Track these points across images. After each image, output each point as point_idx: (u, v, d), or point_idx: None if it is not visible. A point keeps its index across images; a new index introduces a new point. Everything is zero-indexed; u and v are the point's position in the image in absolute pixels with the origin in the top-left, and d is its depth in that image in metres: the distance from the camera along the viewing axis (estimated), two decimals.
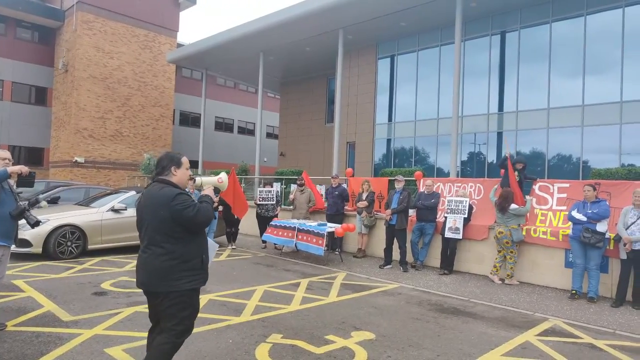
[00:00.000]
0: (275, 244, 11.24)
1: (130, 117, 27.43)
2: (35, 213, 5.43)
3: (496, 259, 8.51)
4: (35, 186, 10.21)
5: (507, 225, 8.21)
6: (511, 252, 8.29)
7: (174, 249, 3.14)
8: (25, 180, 5.03)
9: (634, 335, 5.53)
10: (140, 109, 27.86)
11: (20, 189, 5.18)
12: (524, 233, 8.27)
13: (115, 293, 6.64)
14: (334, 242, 10.30)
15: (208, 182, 3.57)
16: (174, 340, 3.24)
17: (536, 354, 4.76)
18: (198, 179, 3.55)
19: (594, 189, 7.33)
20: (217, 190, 11.76)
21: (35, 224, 5.21)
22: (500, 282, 8.33)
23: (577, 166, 14.09)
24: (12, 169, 4.82)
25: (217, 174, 3.83)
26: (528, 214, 8.53)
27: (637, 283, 6.80)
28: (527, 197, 8.64)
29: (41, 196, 12.27)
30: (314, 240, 9.57)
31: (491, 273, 8.51)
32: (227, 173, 11.31)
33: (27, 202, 5.18)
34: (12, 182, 5.04)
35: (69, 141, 25.54)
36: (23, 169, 4.94)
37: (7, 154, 5.03)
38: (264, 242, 11.85)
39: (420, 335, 5.21)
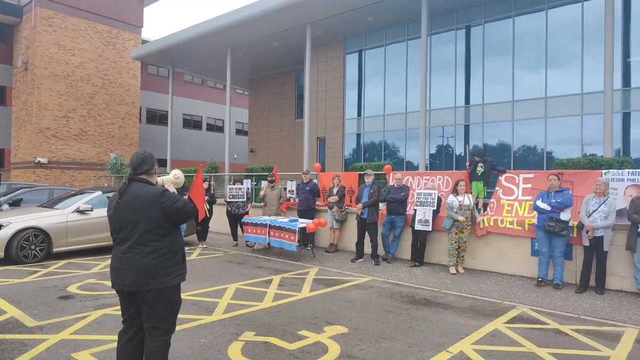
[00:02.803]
0: (247, 241, 11.18)
1: (94, 116, 26.71)
2: None
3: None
4: None
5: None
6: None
7: (162, 245, 3.19)
8: None
9: (597, 319, 5.72)
10: (105, 107, 27.16)
11: None
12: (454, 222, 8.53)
13: (82, 296, 6.46)
14: (306, 238, 10.28)
15: (167, 181, 3.59)
16: (162, 339, 3.27)
17: (505, 341, 4.87)
18: (159, 179, 3.52)
19: (558, 179, 7.54)
20: (185, 188, 11.51)
21: None
22: (455, 272, 8.50)
23: (541, 157, 14.49)
24: None
25: (190, 172, 3.85)
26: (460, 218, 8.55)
27: (600, 269, 7.05)
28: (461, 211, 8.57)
29: (2, 199, 11.83)
30: (286, 236, 9.54)
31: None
32: (195, 171, 11.17)
33: None
34: None
35: (31, 141, 24.69)
36: None
37: None
38: (235, 240, 11.76)
39: (393, 327, 5.26)
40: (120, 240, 3.24)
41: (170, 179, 3.60)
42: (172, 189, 3.51)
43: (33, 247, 8.98)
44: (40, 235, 9.08)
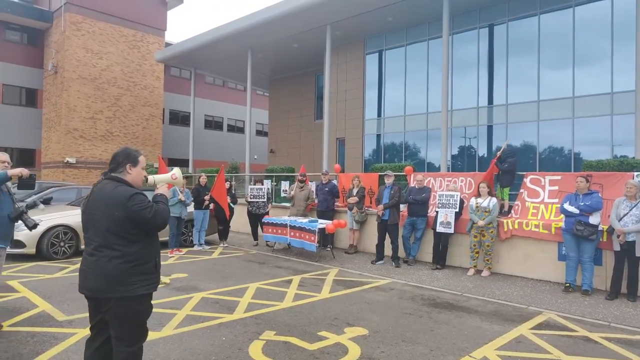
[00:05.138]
0: (267, 241, 11.21)
1: (120, 117, 27.22)
2: (29, 213, 5.36)
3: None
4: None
5: None
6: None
7: (129, 251, 2.93)
8: (26, 183, 5.02)
9: (629, 327, 5.52)
10: (130, 109, 27.64)
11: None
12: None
13: None
14: (326, 239, 10.24)
15: (161, 180, 3.32)
16: (127, 350, 3.01)
17: (531, 347, 4.73)
18: (150, 178, 3.29)
19: (587, 181, 7.31)
20: (207, 188, 11.58)
21: (33, 226, 5.25)
22: (472, 274, 8.49)
23: (568, 158, 14.13)
24: (12, 171, 4.79)
25: (212, 172, 3.71)
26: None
27: (632, 275, 6.79)
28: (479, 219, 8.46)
29: (34, 197, 12.11)
30: (307, 236, 9.53)
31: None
32: (217, 171, 11.24)
33: (25, 205, 5.16)
34: (9, 184, 5.01)
35: (60, 142, 25.31)
36: (23, 171, 4.91)
37: (5, 156, 5.02)
38: (255, 239, 11.80)
39: (414, 331, 5.17)
40: (88, 241, 3.03)
41: (167, 178, 3.33)
42: (163, 190, 3.24)
43: (62, 244, 9.27)
44: (69, 233, 9.35)
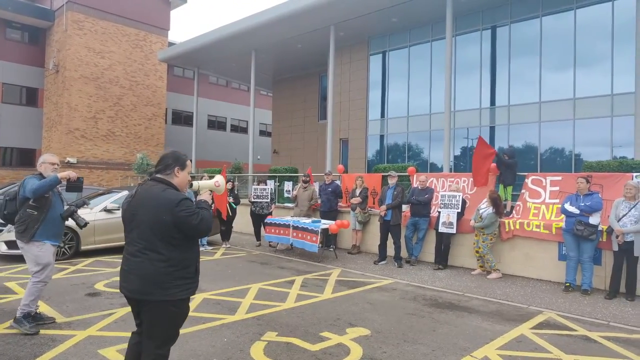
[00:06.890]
0: (269, 242, 11.25)
1: (122, 117, 27.28)
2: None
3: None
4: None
5: None
6: None
7: (172, 255, 2.94)
8: (74, 185, 5.18)
9: (627, 326, 5.56)
10: (132, 109, 27.70)
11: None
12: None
13: (109, 294, 6.59)
14: (328, 239, 10.29)
15: (205, 186, 3.36)
16: (157, 352, 3.02)
17: (531, 347, 4.78)
18: (195, 183, 3.34)
19: (588, 182, 7.36)
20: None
21: (84, 225, 5.39)
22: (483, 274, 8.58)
23: (569, 159, 14.17)
24: (61, 175, 4.97)
25: (219, 172, 3.76)
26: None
27: (630, 275, 6.86)
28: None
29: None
30: (309, 237, 9.57)
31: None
32: (220, 172, 11.28)
33: (75, 204, 5.29)
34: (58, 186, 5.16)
35: (61, 142, 25.36)
36: (71, 174, 5.10)
37: (55, 158, 5.16)
38: (258, 240, 11.85)
39: (416, 331, 5.22)
40: (131, 241, 3.03)
41: (210, 184, 3.38)
42: (206, 196, 3.29)
43: (62, 244, 9.18)
44: (69, 234, 9.27)
